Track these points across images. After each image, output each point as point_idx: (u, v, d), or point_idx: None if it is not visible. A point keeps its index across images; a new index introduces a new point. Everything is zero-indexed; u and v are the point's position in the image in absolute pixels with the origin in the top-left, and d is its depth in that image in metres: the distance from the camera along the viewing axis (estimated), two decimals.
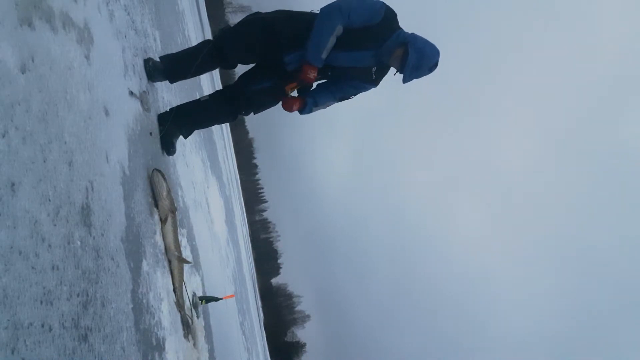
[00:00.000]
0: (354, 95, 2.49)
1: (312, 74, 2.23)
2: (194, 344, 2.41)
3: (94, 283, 1.18)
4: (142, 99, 2.13)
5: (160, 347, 1.75)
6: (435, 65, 2.25)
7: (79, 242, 1.14)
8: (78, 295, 1.08)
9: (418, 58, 2.16)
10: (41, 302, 0.91)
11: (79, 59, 1.38)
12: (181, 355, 2.05)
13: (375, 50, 2.22)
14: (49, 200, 1.03)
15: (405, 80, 2.24)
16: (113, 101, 1.67)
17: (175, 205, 2.23)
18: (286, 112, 2.42)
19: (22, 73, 1.01)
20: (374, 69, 2.32)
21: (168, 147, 2.48)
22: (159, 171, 2.10)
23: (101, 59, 1.60)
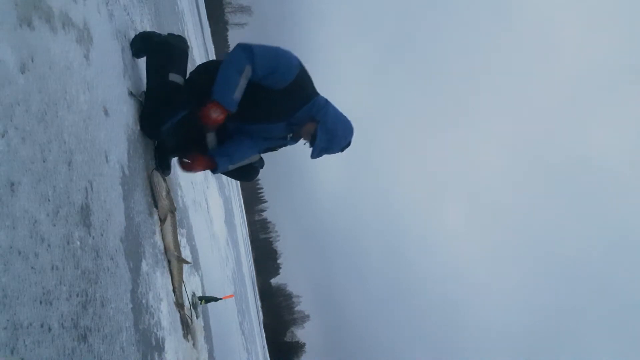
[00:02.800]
0: (279, 148, 2.33)
1: (217, 115, 1.92)
2: (194, 344, 2.41)
3: (93, 283, 1.18)
4: (142, 98, 2.13)
5: (159, 347, 1.75)
6: (348, 145, 2.13)
7: (78, 242, 1.14)
8: (77, 295, 1.08)
9: (328, 140, 2.03)
10: (40, 302, 0.91)
11: (79, 59, 1.38)
12: (180, 355, 2.05)
13: (287, 120, 2.07)
14: (49, 200, 1.02)
15: (313, 157, 2.13)
16: (112, 101, 1.67)
17: (175, 205, 2.23)
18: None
19: (22, 73, 1.01)
20: (290, 135, 2.17)
21: (164, 168, 2.31)
22: (159, 171, 2.10)
23: (100, 59, 1.60)
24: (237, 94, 1.91)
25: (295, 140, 2.21)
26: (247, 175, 2.41)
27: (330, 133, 2.02)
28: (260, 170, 2.44)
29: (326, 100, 2.09)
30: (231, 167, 2.19)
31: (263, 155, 2.40)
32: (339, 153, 2.17)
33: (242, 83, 1.91)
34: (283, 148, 2.38)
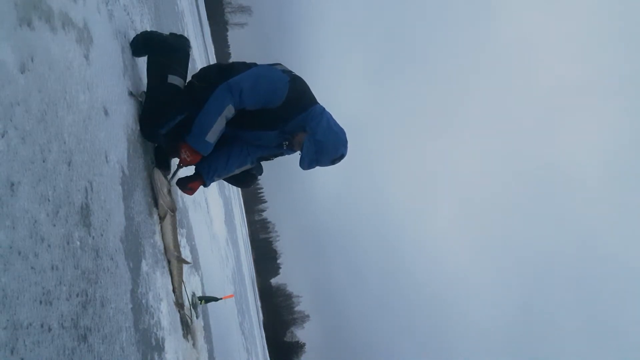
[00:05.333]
0: (274, 157, 2.32)
1: (191, 158, 2.04)
2: (193, 344, 2.41)
3: (93, 283, 1.18)
4: (142, 99, 2.13)
5: (159, 347, 1.75)
6: (340, 157, 2.06)
7: (78, 242, 1.14)
8: (77, 296, 1.08)
9: (316, 152, 1.98)
10: (40, 302, 0.91)
11: (79, 59, 1.38)
12: (180, 355, 2.05)
13: (281, 128, 2.05)
14: (48, 200, 1.03)
15: (302, 168, 2.08)
16: (112, 101, 1.67)
17: (175, 205, 2.23)
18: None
19: (22, 73, 1.01)
20: (286, 143, 2.12)
21: (164, 168, 2.29)
22: (160, 170, 2.10)
23: (100, 59, 1.60)
24: (212, 137, 1.96)
25: (291, 149, 2.18)
26: (244, 182, 2.44)
27: (318, 145, 1.97)
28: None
29: (322, 111, 2.05)
30: (217, 179, 2.27)
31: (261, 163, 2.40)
32: (332, 165, 2.10)
33: (221, 122, 1.95)
34: (280, 157, 2.37)
